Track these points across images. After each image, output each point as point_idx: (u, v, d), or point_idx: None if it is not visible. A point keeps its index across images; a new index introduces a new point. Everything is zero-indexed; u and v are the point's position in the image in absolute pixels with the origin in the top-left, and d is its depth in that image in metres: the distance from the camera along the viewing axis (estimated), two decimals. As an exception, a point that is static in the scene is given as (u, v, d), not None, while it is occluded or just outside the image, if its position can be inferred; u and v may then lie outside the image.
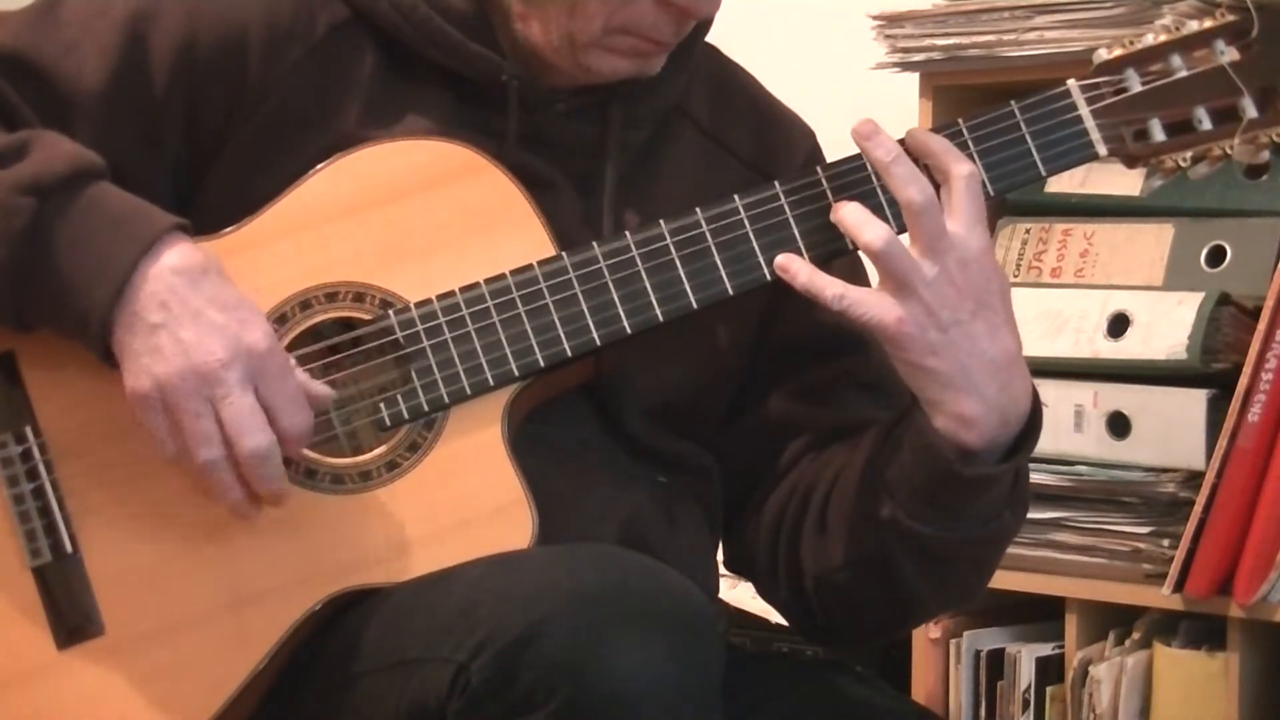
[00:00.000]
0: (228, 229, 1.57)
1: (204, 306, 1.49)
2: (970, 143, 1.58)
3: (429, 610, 1.46)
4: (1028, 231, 2.35)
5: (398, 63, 1.63)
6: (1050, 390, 2.22)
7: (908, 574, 1.61)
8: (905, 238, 1.56)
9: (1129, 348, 2.17)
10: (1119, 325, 2.18)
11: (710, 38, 1.77)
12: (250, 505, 1.51)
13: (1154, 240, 2.25)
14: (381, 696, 1.47)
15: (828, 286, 1.54)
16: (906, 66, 2.32)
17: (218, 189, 1.60)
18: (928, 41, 2.29)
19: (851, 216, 1.55)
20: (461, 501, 1.54)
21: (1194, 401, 2.14)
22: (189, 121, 1.60)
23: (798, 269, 1.56)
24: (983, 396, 1.54)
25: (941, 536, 1.58)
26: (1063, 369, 2.22)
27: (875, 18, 2.32)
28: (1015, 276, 2.36)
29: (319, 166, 1.58)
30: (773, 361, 1.71)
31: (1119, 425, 2.18)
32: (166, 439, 1.49)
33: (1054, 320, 2.22)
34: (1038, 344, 2.22)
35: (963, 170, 1.54)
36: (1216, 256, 2.21)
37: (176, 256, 1.50)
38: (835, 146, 1.93)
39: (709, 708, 1.41)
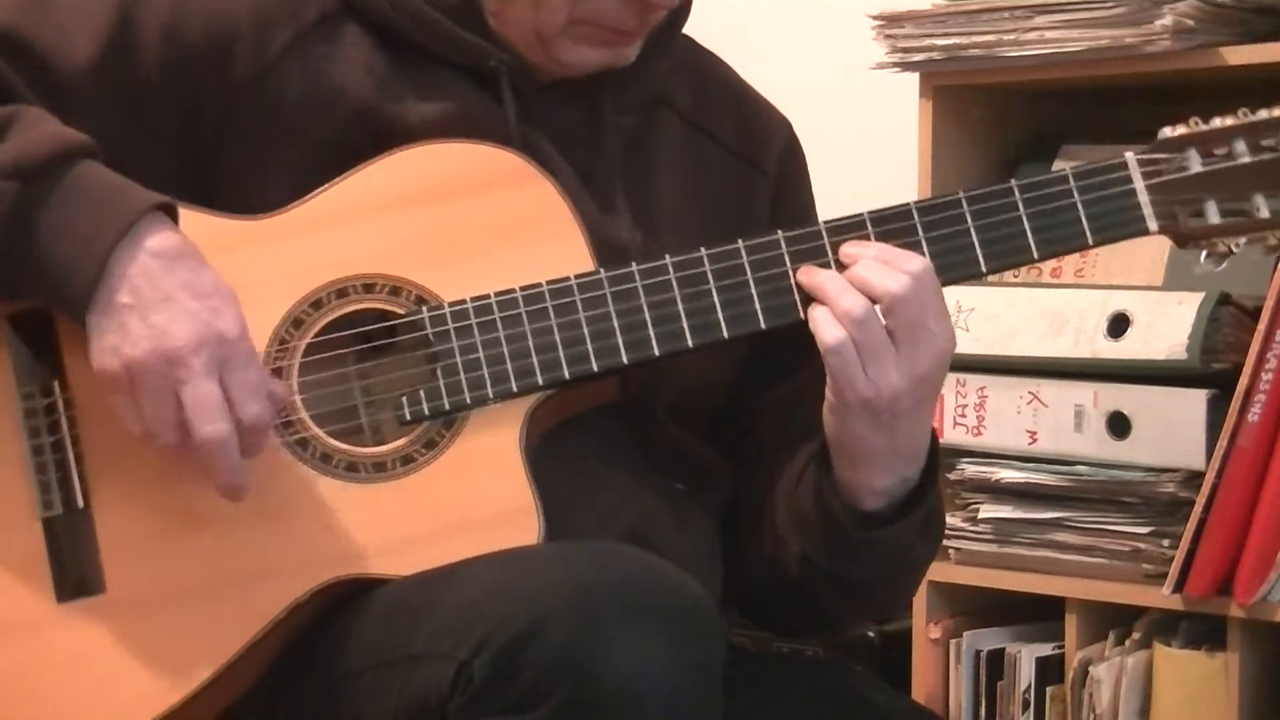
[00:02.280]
0: (275, 211, 1.58)
1: (176, 291, 1.49)
2: (1020, 204, 1.58)
3: (430, 607, 1.46)
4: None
5: (393, 47, 1.63)
6: (1050, 390, 2.22)
7: (823, 599, 1.66)
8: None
9: (1129, 348, 2.17)
10: (1119, 325, 2.18)
11: (710, 37, 1.77)
12: (262, 470, 1.51)
13: (1154, 240, 2.24)
14: (382, 693, 1.47)
15: (830, 326, 1.54)
16: (906, 66, 2.32)
17: (228, 175, 1.60)
18: (928, 41, 2.29)
19: (830, 284, 1.55)
20: (470, 502, 1.54)
21: (1194, 401, 2.13)
22: (184, 108, 1.60)
23: (818, 310, 1.55)
24: (894, 472, 1.58)
25: (851, 574, 1.63)
26: (1063, 369, 2.22)
27: (875, 18, 2.32)
28: (1015, 276, 2.36)
29: (372, 160, 1.59)
30: (766, 360, 1.72)
31: (1119, 425, 2.18)
32: (130, 419, 1.50)
33: (1054, 320, 2.22)
34: (1038, 344, 2.22)
35: (917, 266, 1.54)
36: (1216, 256, 2.21)
37: (153, 239, 1.50)
38: (835, 146, 1.93)
39: (710, 703, 1.41)
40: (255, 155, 1.61)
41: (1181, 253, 2.21)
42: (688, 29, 1.74)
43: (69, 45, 1.59)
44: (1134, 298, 2.19)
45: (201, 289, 1.50)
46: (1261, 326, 2.09)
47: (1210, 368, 2.13)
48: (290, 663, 1.55)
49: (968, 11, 2.26)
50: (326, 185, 1.59)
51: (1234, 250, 1.59)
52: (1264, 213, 1.57)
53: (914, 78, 2.34)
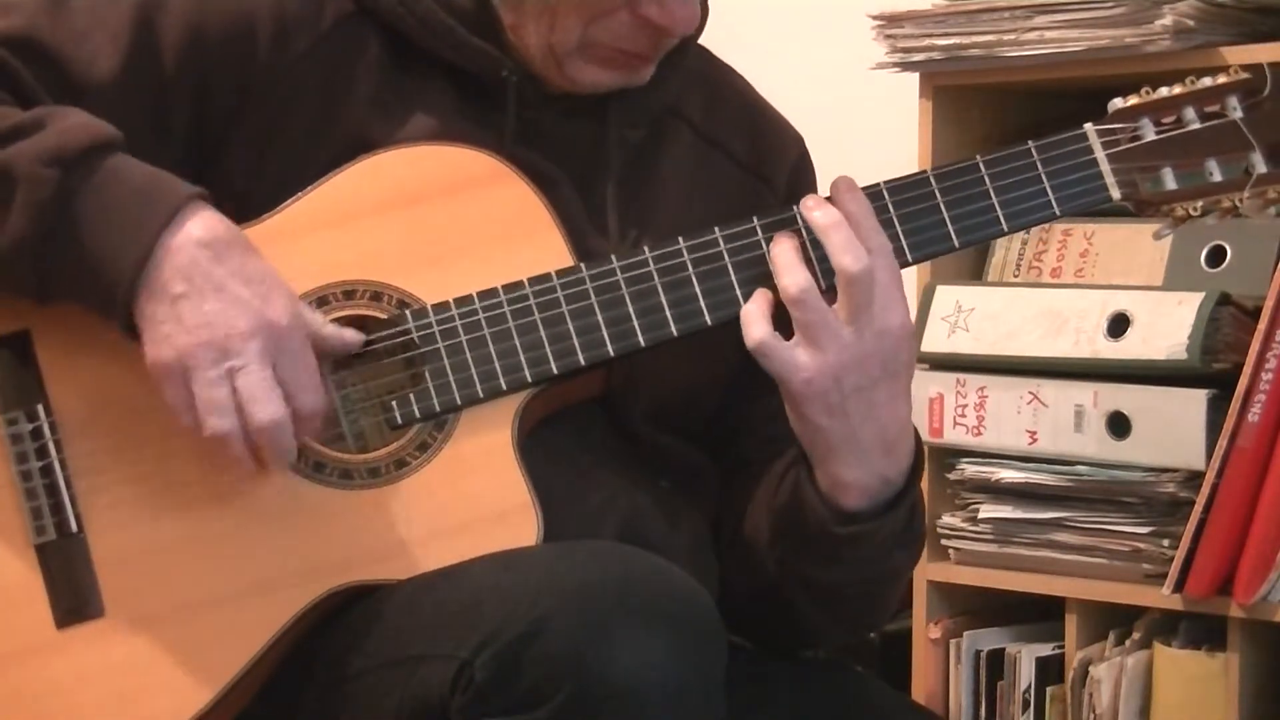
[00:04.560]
0: (250, 222, 1.58)
1: (227, 278, 1.49)
2: (987, 179, 1.60)
3: (432, 607, 1.47)
4: (1027, 231, 2.35)
5: (401, 56, 1.64)
6: (1050, 390, 2.22)
7: (801, 607, 1.66)
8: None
9: (1129, 348, 2.17)
10: (1119, 325, 2.18)
11: (709, 38, 1.77)
12: (260, 473, 1.51)
13: (1154, 240, 2.25)
14: (384, 692, 1.47)
15: (753, 325, 1.55)
16: (906, 66, 2.32)
17: (228, 179, 1.60)
18: (928, 41, 2.29)
19: (781, 258, 1.56)
20: (468, 502, 1.55)
21: (1194, 401, 2.13)
22: (196, 109, 1.61)
23: (749, 307, 1.57)
24: (865, 464, 1.58)
25: (830, 579, 1.63)
26: (1063, 369, 2.22)
27: (875, 18, 2.32)
28: (1015, 276, 2.36)
29: (345, 165, 1.59)
30: (749, 374, 1.71)
31: (1119, 425, 2.18)
32: (184, 409, 1.49)
33: (1054, 320, 2.22)
34: (1038, 344, 2.22)
35: (878, 243, 1.56)
36: (1216, 256, 2.21)
37: (200, 227, 1.50)
38: (835, 147, 1.93)
39: (712, 702, 1.41)
40: (257, 156, 1.61)
41: (1181, 253, 2.23)
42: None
43: (91, 54, 1.59)
44: (1134, 298, 2.19)
45: (251, 276, 1.50)
46: (1261, 326, 2.09)
47: (1210, 368, 2.13)
48: (292, 666, 1.55)
49: (968, 11, 2.26)
50: (303, 192, 1.59)
51: (1191, 214, 1.63)
52: (1217, 177, 1.63)
53: (914, 78, 2.34)
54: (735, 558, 1.69)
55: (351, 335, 1.55)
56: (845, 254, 1.55)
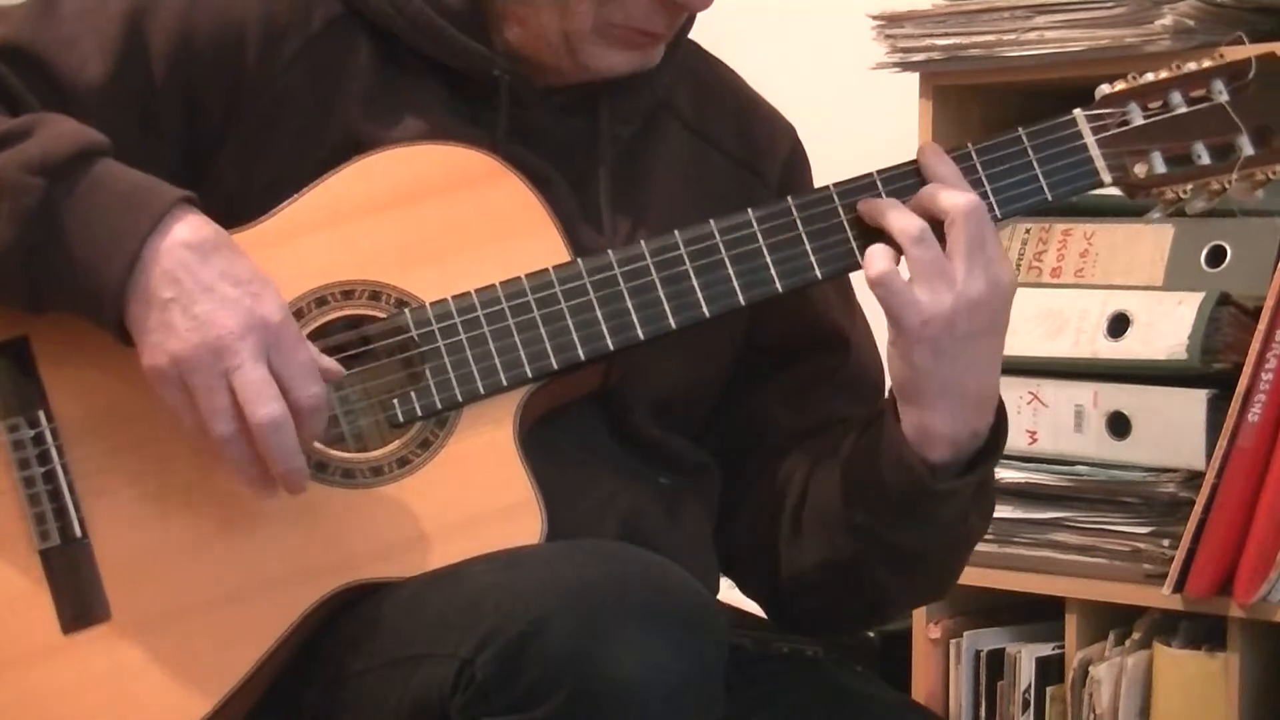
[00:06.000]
0: (246, 225, 1.57)
1: (216, 280, 1.49)
2: (978, 166, 1.62)
3: (433, 606, 1.47)
4: (1028, 231, 2.35)
5: (392, 56, 1.64)
6: (1050, 390, 2.22)
7: (879, 576, 1.65)
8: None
9: (1129, 348, 2.17)
10: (1119, 325, 2.19)
11: (710, 38, 1.78)
12: (268, 485, 1.50)
13: (1154, 240, 2.25)
14: (385, 692, 1.47)
15: (878, 259, 1.56)
16: (906, 66, 2.32)
17: (221, 183, 1.60)
18: (928, 41, 2.29)
19: (888, 208, 1.58)
20: (471, 500, 1.55)
21: (1194, 401, 2.14)
22: (188, 114, 1.61)
23: (875, 246, 1.57)
24: (959, 415, 1.58)
25: (911, 542, 1.62)
26: (1063, 369, 2.22)
27: (875, 18, 2.32)
28: (1015, 276, 2.36)
29: (340, 166, 1.59)
30: (756, 359, 1.73)
31: (1119, 425, 2.18)
32: (184, 414, 1.49)
33: (1054, 320, 2.23)
34: (1038, 344, 2.23)
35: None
36: (1216, 256, 2.21)
37: (186, 230, 1.50)
38: (835, 146, 1.93)
39: (712, 702, 1.41)
40: (250, 160, 1.61)
41: (1182, 253, 2.24)
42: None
43: (80, 61, 1.59)
44: (1134, 298, 2.19)
45: (240, 276, 1.49)
46: (1261, 326, 2.10)
47: (1210, 368, 2.13)
48: (293, 666, 1.55)
49: (968, 11, 2.27)
50: (298, 194, 1.59)
51: (1182, 197, 1.64)
52: (1205, 160, 1.63)
53: (914, 78, 2.34)
54: (805, 533, 1.68)
55: (330, 363, 1.52)
56: (955, 192, 1.56)
